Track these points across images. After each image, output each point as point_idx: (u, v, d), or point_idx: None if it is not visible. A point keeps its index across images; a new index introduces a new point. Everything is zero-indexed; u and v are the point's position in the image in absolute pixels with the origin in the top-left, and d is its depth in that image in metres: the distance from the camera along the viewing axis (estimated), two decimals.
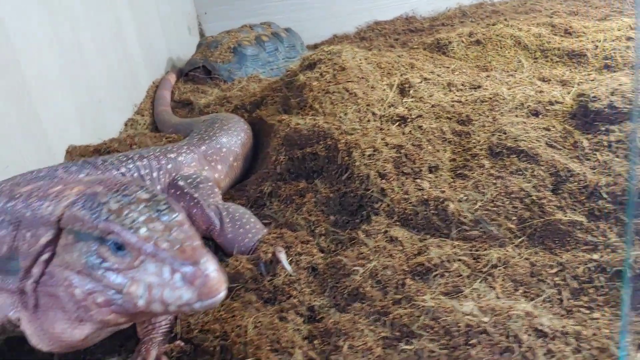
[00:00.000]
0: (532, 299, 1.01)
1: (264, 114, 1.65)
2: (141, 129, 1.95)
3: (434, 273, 1.07)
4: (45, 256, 0.86)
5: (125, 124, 2.00)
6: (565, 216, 1.14)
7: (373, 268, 1.09)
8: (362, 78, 1.57)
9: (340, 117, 1.43)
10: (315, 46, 2.73)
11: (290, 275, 1.12)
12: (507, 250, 1.10)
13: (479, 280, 1.05)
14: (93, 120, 1.83)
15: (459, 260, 1.08)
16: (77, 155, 1.64)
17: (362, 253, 1.13)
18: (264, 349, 0.97)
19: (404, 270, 1.09)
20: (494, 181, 1.22)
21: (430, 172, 1.28)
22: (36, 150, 1.52)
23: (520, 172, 1.22)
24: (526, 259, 1.08)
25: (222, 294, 0.78)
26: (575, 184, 1.18)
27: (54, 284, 0.84)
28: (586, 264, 1.05)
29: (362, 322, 1.01)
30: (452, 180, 1.26)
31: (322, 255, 1.19)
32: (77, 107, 1.74)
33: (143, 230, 0.80)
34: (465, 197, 1.19)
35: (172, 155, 1.34)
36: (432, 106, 1.51)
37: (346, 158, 1.31)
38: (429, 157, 1.30)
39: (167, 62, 2.56)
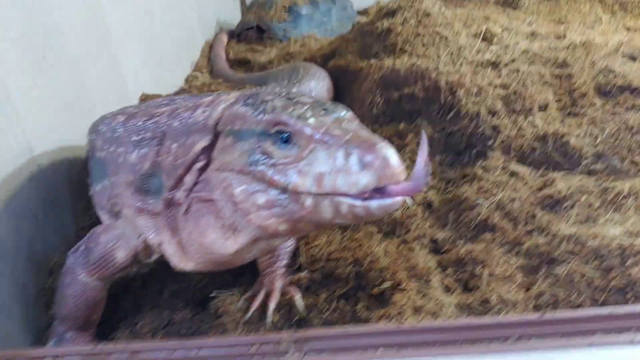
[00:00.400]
0: None
1: (343, 62, 1.61)
2: (196, 85, 1.91)
3: (564, 204, 1.04)
4: (200, 164, 0.81)
5: (186, 80, 1.96)
6: None
7: (499, 201, 1.06)
8: (448, 24, 1.54)
9: (433, 59, 1.40)
10: (364, 11, 2.68)
11: (408, 208, 1.09)
12: (635, 182, 1.07)
13: (611, 210, 1.02)
14: (159, 74, 1.79)
15: (588, 192, 1.05)
16: None
17: (482, 187, 1.10)
18: (401, 274, 0.94)
19: (532, 203, 1.05)
20: (611, 117, 1.19)
21: (540, 110, 1.25)
22: (116, 94, 1.48)
23: (638, 108, 1.19)
24: None
25: (402, 189, 0.68)
26: None
27: (209, 189, 0.79)
28: None
29: (496, 252, 0.98)
30: (563, 118, 1.23)
31: (434, 192, 1.16)
32: (146, 59, 1.71)
33: (312, 120, 0.72)
34: (583, 133, 1.16)
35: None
36: (523, 52, 1.48)
37: (450, 97, 1.27)
38: (537, 95, 1.27)
39: (216, 23, 2.52)
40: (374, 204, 0.68)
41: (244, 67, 2.08)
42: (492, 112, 1.22)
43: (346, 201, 0.69)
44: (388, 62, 1.38)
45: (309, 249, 1.03)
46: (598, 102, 1.24)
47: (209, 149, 0.81)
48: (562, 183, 1.08)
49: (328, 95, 1.50)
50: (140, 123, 0.93)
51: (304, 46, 2.04)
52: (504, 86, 1.29)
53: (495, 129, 1.20)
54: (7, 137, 1.05)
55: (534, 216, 1.03)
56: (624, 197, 1.03)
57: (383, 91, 1.34)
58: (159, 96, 1.62)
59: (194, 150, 0.82)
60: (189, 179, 0.82)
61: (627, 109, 1.19)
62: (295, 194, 0.71)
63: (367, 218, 0.71)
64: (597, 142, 1.14)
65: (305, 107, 0.74)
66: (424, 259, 0.99)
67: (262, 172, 0.73)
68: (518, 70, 1.38)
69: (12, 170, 1.06)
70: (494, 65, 1.43)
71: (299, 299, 0.94)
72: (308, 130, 0.71)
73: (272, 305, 0.94)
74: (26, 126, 1.10)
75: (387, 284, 0.92)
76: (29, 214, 1.08)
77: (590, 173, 1.11)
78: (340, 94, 1.58)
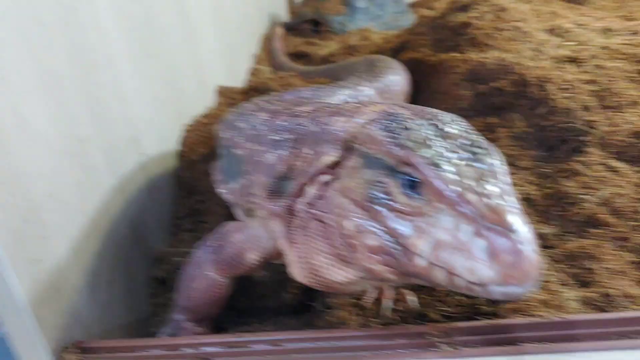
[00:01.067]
0: None
1: (419, 55, 1.62)
2: (265, 77, 1.92)
3: None
4: (325, 177, 0.76)
5: (252, 73, 1.97)
6: None
7: (605, 196, 1.07)
8: (524, 18, 1.54)
9: (516, 53, 1.40)
10: (413, 5, 2.68)
11: None
12: None
13: None
14: (229, 66, 1.81)
15: None
16: (227, 95, 1.61)
17: (585, 183, 1.11)
18: None
19: (636, 198, 1.06)
20: None
21: (632, 106, 1.25)
22: (197, 86, 1.50)
23: None
24: None
25: (533, 283, 0.58)
26: None
27: (326, 209, 0.74)
28: None
29: (607, 247, 0.99)
30: None
31: (532, 187, 1.16)
32: (219, 50, 1.72)
33: (449, 171, 0.62)
34: None
35: (363, 88, 1.31)
36: (602, 48, 1.48)
37: (539, 92, 1.27)
38: (626, 91, 1.27)
39: (268, 15, 2.53)
40: (498, 291, 0.59)
41: (302, 61, 2.09)
42: (585, 108, 1.23)
43: (463, 281, 0.61)
44: (473, 55, 1.39)
45: None
46: None
47: (339, 164, 0.75)
48: None
49: (409, 89, 1.51)
50: (282, 122, 0.90)
51: (365, 39, 2.04)
52: (592, 82, 1.29)
53: (590, 124, 1.20)
54: (118, 124, 1.07)
55: (637, 212, 1.04)
56: None
57: (470, 85, 1.35)
58: (232, 89, 1.64)
59: (321, 160, 0.77)
60: (311, 191, 0.78)
61: None
62: (408, 247, 0.64)
63: (483, 296, 0.62)
64: None
65: (450, 144, 0.66)
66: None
67: (380, 213, 0.67)
68: (600, 67, 1.38)
69: (122, 158, 1.08)
70: (575, 61, 1.43)
71: (410, 297, 0.93)
72: (440, 186, 0.62)
73: (387, 302, 0.94)
74: (133, 115, 1.12)
75: None
76: (136, 203, 1.10)
77: None
78: (417, 88, 1.58)
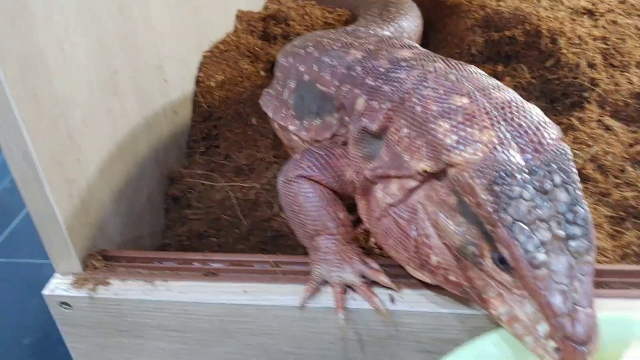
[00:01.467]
0: None
1: None
2: (285, 5, 1.93)
3: None
4: (411, 184, 0.74)
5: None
6: None
7: (594, 153, 1.13)
8: None
9: (534, 2, 1.42)
10: None
11: None
12: None
13: None
14: None
15: None
16: (246, 21, 1.65)
17: (578, 138, 1.17)
18: None
19: (623, 157, 1.13)
20: None
21: (637, 67, 1.29)
22: (219, 9, 1.53)
23: None
24: None
25: None
26: None
27: (410, 222, 0.75)
28: None
29: (587, 201, 1.07)
30: None
31: None
32: None
33: (544, 263, 0.62)
34: None
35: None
36: (620, 2, 1.49)
37: (550, 45, 1.31)
38: (635, 51, 1.30)
39: None
40: None
41: None
42: (591, 65, 1.27)
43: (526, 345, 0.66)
44: (490, 2, 1.41)
45: None
46: None
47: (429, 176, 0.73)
48: None
49: (419, 35, 1.53)
50: (387, 70, 0.85)
51: None
52: (603, 38, 1.32)
53: (593, 82, 1.25)
54: (145, 54, 1.13)
55: (623, 170, 1.11)
56: None
57: (484, 31, 1.38)
58: (251, 15, 1.67)
59: (415, 166, 0.73)
60: (395, 190, 0.76)
61: None
62: (487, 301, 0.69)
63: None
64: None
65: (553, 220, 0.63)
66: None
67: (467, 266, 0.69)
68: (615, 22, 1.40)
69: (147, 86, 1.15)
70: (591, 13, 1.45)
71: None
72: (534, 287, 0.62)
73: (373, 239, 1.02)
74: (159, 44, 1.18)
75: None
76: (157, 127, 1.19)
77: None
78: (432, 27, 1.61)
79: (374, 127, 0.81)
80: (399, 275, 0.85)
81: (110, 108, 1.02)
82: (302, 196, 0.87)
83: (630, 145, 1.16)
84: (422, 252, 0.74)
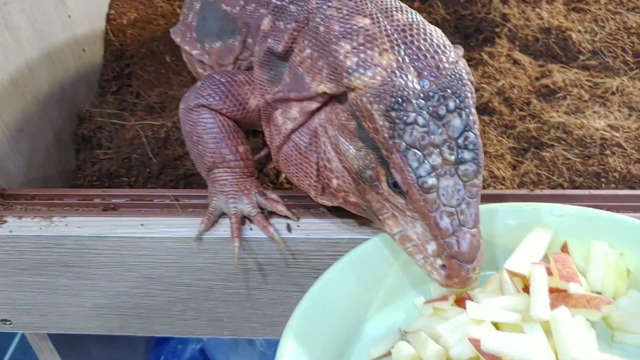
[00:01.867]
0: None
1: None
2: None
3: (557, 95, 1.14)
4: (314, 105, 0.74)
5: None
6: None
7: (501, 86, 1.16)
8: None
9: None
10: None
11: None
12: (623, 80, 1.17)
13: (598, 104, 1.13)
14: None
15: (580, 85, 1.16)
16: None
17: (487, 72, 1.19)
18: None
19: (529, 90, 1.16)
20: (612, 16, 1.26)
21: (547, 3, 1.31)
22: None
23: (638, 10, 1.26)
24: None
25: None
26: None
27: (311, 149, 0.75)
28: None
29: (492, 133, 1.10)
30: (567, 13, 1.29)
31: None
32: None
33: (433, 187, 0.64)
34: (584, 29, 1.24)
35: None
36: None
37: None
38: None
39: None
40: (437, 283, 0.68)
41: None
42: (504, 1, 1.28)
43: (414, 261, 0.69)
44: None
45: None
46: None
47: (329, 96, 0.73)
48: (558, 75, 1.17)
49: None
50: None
51: None
52: None
53: (505, 17, 1.27)
54: None
55: (529, 103, 1.14)
56: (612, 93, 1.14)
57: None
58: None
59: (316, 88, 0.73)
60: (296, 113, 0.76)
61: (628, 9, 1.26)
62: (382, 221, 0.71)
63: None
64: (596, 39, 1.22)
65: (445, 145, 0.65)
66: None
67: (364, 189, 0.71)
68: None
69: (47, 20, 1.10)
70: None
71: None
72: (423, 209, 0.65)
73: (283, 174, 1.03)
74: None
75: None
76: (63, 64, 1.15)
77: (584, 68, 1.20)
78: None
79: (279, 48, 0.80)
80: (299, 206, 0.87)
81: (1, 41, 0.97)
82: (201, 126, 0.84)
83: (537, 79, 1.19)
84: (323, 176, 0.75)
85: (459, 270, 0.64)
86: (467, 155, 0.66)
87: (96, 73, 1.27)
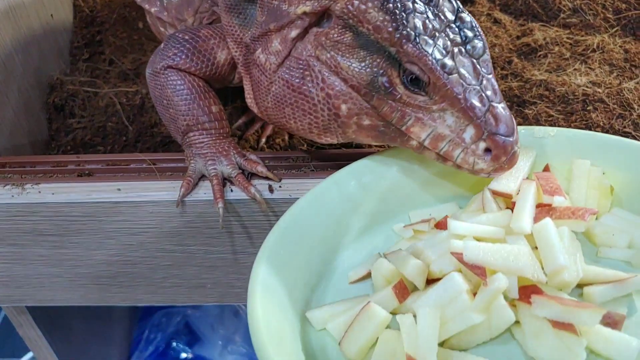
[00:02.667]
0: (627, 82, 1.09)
1: None
2: None
3: (539, 53, 1.13)
4: (294, 32, 0.71)
5: None
6: None
7: None
8: None
9: None
10: None
11: None
12: (604, 38, 1.16)
13: (580, 62, 1.12)
14: None
15: (561, 43, 1.15)
16: None
17: None
18: None
19: (510, 49, 1.14)
20: None
21: None
22: None
23: None
24: (620, 46, 1.15)
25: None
26: None
27: (306, 81, 0.71)
28: None
29: None
30: None
31: None
32: None
33: (452, 68, 0.63)
34: None
35: None
36: None
37: None
38: None
39: None
40: (484, 174, 0.66)
41: None
42: None
43: (453, 164, 0.67)
44: None
45: None
46: None
47: (311, 16, 0.70)
48: (539, 33, 1.16)
49: None
50: None
51: None
52: None
53: None
54: None
55: (510, 62, 1.12)
56: (592, 50, 1.13)
57: None
58: None
59: (295, 10, 0.70)
60: (278, 45, 0.73)
61: None
62: (402, 132, 0.68)
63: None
64: None
65: (447, 29, 0.65)
66: None
67: (380, 101, 0.67)
68: None
69: None
70: None
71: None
72: (453, 90, 0.63)
73: (264, 138, 1.03)
74: None
75: None
76: (30, 31, 1.11)
77: (565, 26, 1.19)
78: None
79: None
80: (280, 167, 0.85)
81: None
82: (170, 89, 0.82)
83: (518, 38, 1.18)
84: (329, 106, 0.70)
85: (504, 145, 0.63)
86: (469, 33, 0.66)
87: (66, 40, 1.23)
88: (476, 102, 0.63)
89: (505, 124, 0.63)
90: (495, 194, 0.67)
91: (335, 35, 0.68)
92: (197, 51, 0.82)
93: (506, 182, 0.67)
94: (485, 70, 0.65)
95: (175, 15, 0.91)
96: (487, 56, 0.66)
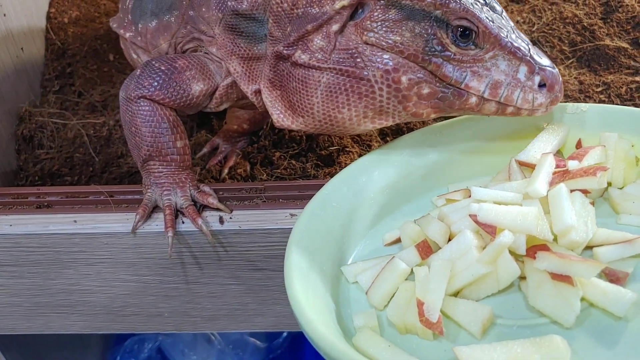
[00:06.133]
0: None
1: None
2: None
3: None
4: (336, 26, 0.74)
5: None
6: (612, 42, 1.24)
7: None
8: None
9: None
10: None
11: None
12: (560, 69, 1.19)
13: None
14: None
15: None
16: None
17: None
18: (347, 140, 1.07)
19: None
20: (549, 7, 1.28)
21: None
22: None
23: (573, 0, 1.29)
24: (575, 77, 1.19)
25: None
26: (624, 14, 1.27)
27: (359, 65, 0.74)
28: (628, 85, 1.17)
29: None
30: (507, 3, 1.32)
31: None
32: None
33: (491, 19, 0.70)
34: (522, 20, 1.26)
35: None
36: None
37: None
38: None
39: None
40: (542, 111, 0.73)
41: None
42: None
43: (514, 108, 0.72)
44: None
45: None
46: None
47: (348, 9, 0.74)
48: None
49: None
50: None
51: None
52: None
53: None
54: None
55: None
56: None
57: None
58: None
59: (333, 7, 0.73)
60: (320, 42, 0.75)
61: (564, 0, 1.29)
62: (462, 91, 0.73)
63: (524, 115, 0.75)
64: (534, 29, 1.25)
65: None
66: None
67: (437, 64, 0.72)
68: None
69: None
70: None
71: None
72: (499, 35, 0.70)
73: (226, 169, 1.05)
74: None
75: (334, 148, 1.05)
76: (2, 69, 1.13)
77: None
78: None
79: (244, 5, 0.80)
80: (233, 198, 0.87)
81: None
82: (140, 119, 0.84)
83: None
84: (388, 82, 0.73)
85: (555, 75, 0.71)
86: None
87: (37, 72, 1.26)
88: (520, 42, 0.71)
89: (548, 58, 0.72)
90: (521, 164, 0.73)
91: (379, 15, 0.73)
92: (172, 82, 0.84)
93: (533, 154, 0.74)
94: (510, 23, 0.73)
95: (150, 40, 0.93)
96: (505, 13, 0.74)
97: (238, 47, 0.83)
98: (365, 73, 0.74)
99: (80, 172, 1.11)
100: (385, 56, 0.73)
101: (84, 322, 0.96)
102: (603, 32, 1.25)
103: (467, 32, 0.70)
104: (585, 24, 1.25)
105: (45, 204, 0.89)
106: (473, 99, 0.73)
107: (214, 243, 0.82)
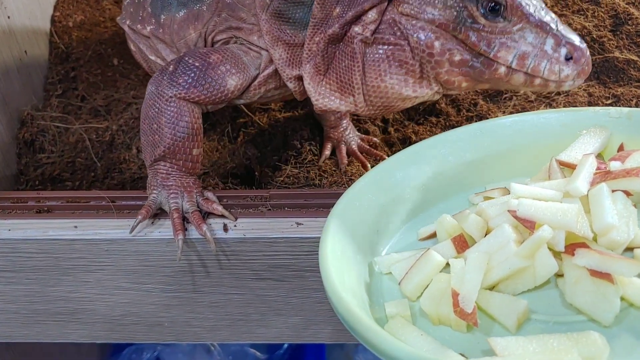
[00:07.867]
0: None
1: None
2: None
3: (504, 95, 1.15)
4: (384, 4, 0.78)
5: None
6: (622, 55, 1.22)
7: None
8: None
9: None
10: None
11: None
12: None
13: (544, 105, 1.14)
14: None
15: None
16: None
17: None
18: None
19: (476, 91, 1.16)
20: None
21: None
22: None
23: (582, 12, 1.28)
24: (584, 90, 1.18)
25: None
26: (633, 26, 1.26)
27: (399, 35, 0.78)
28: (638, 97, 1.16)
29: (437, 132, 1.10)
30: None
31: None
32: None
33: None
34: None
35: None
36: None
37: None
38: None
39: None
40: (568, 84, 0.76)
41: None
42: None
43: (541, 80, 0.75)
44: None
45: None
46: (549, 1, 1.31)
47: None
48: None
49: None
50: None
51: None
52: None
53: None
54: None
55: (476, 104, 1.14)
56: (557, 93, 1.15)
57: None
58: None
59: None
60: (375, 15, 0.79)
61: (573, 12, 1.28)
62: (490, 61, 0.76)
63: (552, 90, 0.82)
64: None
65: None
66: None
67: (467, 34, 0.76)
68: None
69: None
70: None
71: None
72: (526, 9, 0.74)
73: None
74: None
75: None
76: (2, 66, 1.12)
77: None
78: None
79: None
80: (238, 206, 0.86)
81: None
82: (166, 118, 0.82)
83: None
84: (422, 47, 0.77)
85: (582, 48, 0.74)
86: None
87: (40, 76, 1.24)
88: (547, 16, 0.75)
89: (573, 32, 0.75)
90: (561, 164, 0.72)
91: None
92: (207, 78, 0.83)
93: (574, 154, 0.74)
94: (540, 1, 0.76)
95: (177, 31, 0.91)
96: None
97: (284, 33, 0.83)
98: (402, 42, 0.78)
99: (82, 177, 1.10)
100: (419, 24, 0.77)
101: (83, 330, 0.94)
102: (612, 44, 1.24)
103: (496, 5, 0.74)
104: (594, 36, 1.24)
105: (45, 208, 0.87)
106: (502, 69, 0.76)
107: (215, 250, 0.80)
